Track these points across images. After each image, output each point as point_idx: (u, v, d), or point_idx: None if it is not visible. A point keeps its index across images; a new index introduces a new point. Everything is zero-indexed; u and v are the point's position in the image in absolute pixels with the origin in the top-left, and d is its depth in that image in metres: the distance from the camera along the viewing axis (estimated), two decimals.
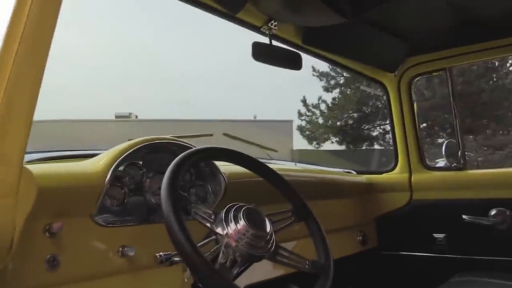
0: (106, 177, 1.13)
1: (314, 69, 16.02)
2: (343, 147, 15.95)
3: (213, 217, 1.03)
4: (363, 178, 2.25)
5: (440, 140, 13.04)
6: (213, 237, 1.02)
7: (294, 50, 1.73)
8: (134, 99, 26.85)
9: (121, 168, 1.20)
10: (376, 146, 15.54)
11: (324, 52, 1.92)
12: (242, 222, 1.00)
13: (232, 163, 1.24)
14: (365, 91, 14.84)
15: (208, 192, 1.41)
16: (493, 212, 1.90)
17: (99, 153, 1.27)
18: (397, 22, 1.85)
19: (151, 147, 1.28)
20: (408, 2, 1.67)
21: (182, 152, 1.31)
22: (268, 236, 1.03)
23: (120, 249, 1.15)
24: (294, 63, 1.68)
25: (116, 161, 1.16)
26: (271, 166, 1.30)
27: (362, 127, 15.81)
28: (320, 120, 16.12)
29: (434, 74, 2.14)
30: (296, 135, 16.63)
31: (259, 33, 1.64)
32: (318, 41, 1.80)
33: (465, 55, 2.00)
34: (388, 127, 15.87)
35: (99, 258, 1.12)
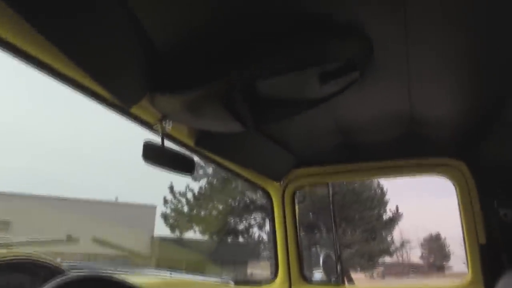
0: None
1: None
2: (205, 237, 15.69)
3: None
4: None
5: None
6: None
7: (187, 153, 1.61)
8: None
9: None
10: (241, 239, 15.66)
11: (215, 157, 1.84)
12: None
13: None
14: (231, 183, 15.22)
15: None
16: None
17: None
18: (287, 136, 1.89)
19: (5, 267, 0.97)
20: (301, 119, 1.72)
21: (45, 272, 1.03)
22: None
23: None
24: (186, 167, 1.55)
25: None
26: (145, 275, 1.09)
27: (228, 219, 15.91)
28: (186, 209, 15.82)
29: (316, 187, 2.20)
30: (158, 223, 15.95)
31: (151, 131, 1.49)
32: (210, 145, 1.72)
33: (344, 173, 2.11)
34: (252, 222, 16.38)
35: None
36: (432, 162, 2.02)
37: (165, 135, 1.50)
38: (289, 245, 2.12)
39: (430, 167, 2.04)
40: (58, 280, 0.85)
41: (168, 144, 1.53)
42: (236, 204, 16.06)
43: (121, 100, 1.26)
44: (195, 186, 16.30)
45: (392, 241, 19.56)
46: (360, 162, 2.08)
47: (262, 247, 16.56)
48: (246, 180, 2.15)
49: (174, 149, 1.53)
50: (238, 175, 2.08)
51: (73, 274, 0.91)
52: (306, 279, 2.11)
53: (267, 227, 16.47)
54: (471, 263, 1.89)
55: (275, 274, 2.14)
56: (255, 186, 2.20)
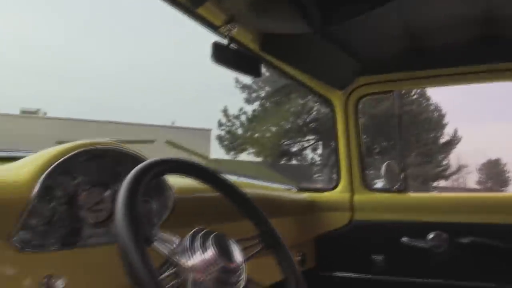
0: (33, 188, 0.88)
1: (237, 81, 16.08)
2: (259, 159, 16.14)
3: (175, 245, 0.84)
4: (305, 196, 2.17)
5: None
6: (173, 269, 0.84)
7: (253, 55, 1.61)
8: (42, 95, 24.77)
9: (51, 178, 0.95)
10: (294, 162, 15.97)
11: (278, 62, 1.82)
12: (211, 252, 0.83)
13: (198, 179, 1.06)
14: (285, 106, 15.22)
15: (152, 210, 1.21)
16: (431, 235, 1.93)
17: (19, 156, 1.02)
18: (353, 41, 1.82)
19: (89, 154, 1.05)
20: (368, 22, 1.64)
21: (128, 162, 1.10)
22: (240, 270, 0.87)
23: (45, 280, 0.91)
24: (253, 68, 1.55)
25: (47, 169, 0.92)
26: None
27: (281, 142, 16.16)
28: (240, 131, 16.19)
29: (381, 95, 2.15)
30: (213, 145, 16.52)
31: (216, 34, 1.48)
32: (275, 49, 1.70)
33: (413, 80, 2.03)
34: (305, 144, 16.56)
35: None
36: (509, 67, 1.88)
37: (231, 39, 1.49)
38: (352, 154, 2.12)
39: (506, 73, 1.91)
40: (150, 160, 0.91)
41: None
42: (289, 126, 16.17)
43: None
44: (249, 108, 16.52)
45: (448, 165, 19.16)
46: (429, 69, 1.98)
47: (315, 169, 16.86)
48: (309, 89, 2.13)
49: (241, 51, 1.53)
50: (300, 83, 2.06)
51: (163, 157, 0.97)
52: (368, 187, 2.14)
53: (320, 149, 16.61)
54: None
55: (337, 182, 2.18)
56: (317, 95, 2.18)
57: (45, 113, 16.85)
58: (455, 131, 18.40)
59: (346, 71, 2.01)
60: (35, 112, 16.52)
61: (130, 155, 1.11)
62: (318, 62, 1.88)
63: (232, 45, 1.48)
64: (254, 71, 1.56)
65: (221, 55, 1.40)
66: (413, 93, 17.17)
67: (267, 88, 16.14)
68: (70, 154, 0.97)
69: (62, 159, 0.95)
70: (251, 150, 15.90)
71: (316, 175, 16.76)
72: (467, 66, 1.92)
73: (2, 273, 0.86)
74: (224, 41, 1.46)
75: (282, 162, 16.03)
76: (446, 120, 18.48)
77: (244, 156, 15.95)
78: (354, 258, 2.07)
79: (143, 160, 0.96)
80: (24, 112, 16.22)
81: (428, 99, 18.11)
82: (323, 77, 2.00)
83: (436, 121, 18.12)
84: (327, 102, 2.17)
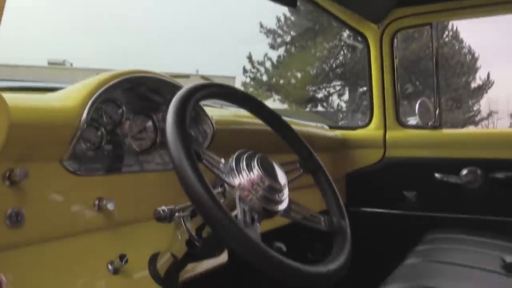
0: (82, 114, 0.91)
1: (261, 26, 15.70)
2: (285, 106, 16.05)
3: (221, 165, 0.86)
4: (337, 133, 2.17)
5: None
6: (220, 189, 0.87)
7: None
8: (66, 46, 24.90)
9: (97, 105, 0.98)
10: (320, 108, 15.82)
11: None
12: (256, 172, 0.85)
13: (239, 106, 1.06)
14: (310, 50, 14.83)
15: (193, 138, 1.23)
16: (464, 171, 1.91)
17: (59, 87, 1.05)
18: None
19: (131, 83, 1.06)
20: None
21: (169, 91, 1.12)
22: (283, 189, 0.89)
23: (97, 202, 0.96)
24: None
25: (92, 96, 0.94)
26: None
27: (307, 88, 15.95)
28: (264, 78, 16.03)
29: (418, 28, 2.06)
30: None
31: None
32: None
33: (451, 10, 1.93)
34: (332, 90, 16.29)
35: (72, 212, 0.92)
36: None
37: None
38: (386, 90, 2.08)
39: None
40: (196, 83, 0.92)
41: None
42: (315, 71, 15.88)
43: None
44: (274, 54, 16.22)
45: (479, 111, 18.60)
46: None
47: (341, 115, 16.69)
48: (343, 22, 2.06)
49: None
50: (334, 17, 2.00)
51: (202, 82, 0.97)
52: (402, 124, 2.12)
53: (346, 95, 16.34)
54: None
55: (370, 119, 2.16)
56: (351, 30, 2.11)
57: (71, 64, 17.07)
58: (488, 75, 17.68)
59: (381, 2, 1.92)
60: (62, 63, 16.75)
61: (170, 84, 1.12)
62: None
63: None
64: (290, 1, 1.51)
65: None
66: (445, 35, 16.42)
67: (292, 33, 15.74)
68: (113, 82, 0.99)
69: (106, 86, 0.97)
70: (277, 97, 15.81)
71: (342, 122, 16.62)
72: None
73: (57, 194, 0.90)
74: None
75: (308, 108, 15.92)
76: (478, 63, 17.73)
77: (270, 103, 15.89)
78: (386, 194, 2.09)
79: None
80: (51, 63, 16.45)
81: (461, 41, 17.33)
82: (357, 9, 1.93)
83: (468, 65, 17.41)
84: (361, 36, 2.10)
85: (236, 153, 0.89)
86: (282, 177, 0.90)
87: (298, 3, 1.50)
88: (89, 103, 0.93)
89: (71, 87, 1.00)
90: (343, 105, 16.54)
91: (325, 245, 1.06)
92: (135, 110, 1.10)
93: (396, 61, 2.08)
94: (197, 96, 0.88)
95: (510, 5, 1.85)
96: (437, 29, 2.02)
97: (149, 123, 1.14)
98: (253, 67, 15.88)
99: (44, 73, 14.67)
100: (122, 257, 0.93)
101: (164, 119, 0.91)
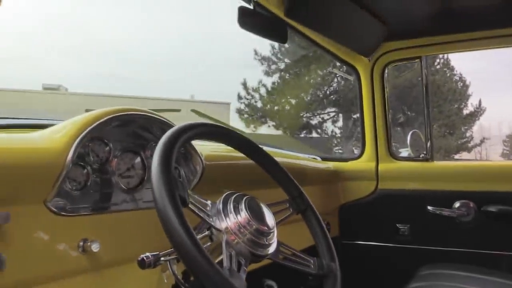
0: (67, 154, 0.90)
1: (256, 53, 15.92)
2: (279, 132, 16.10)
3: (208, 207, 0.85)
4: (330, 165, 2.16)
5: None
6: (207, 232, 0.85)
7: (279, 20, 1.57)
8: (61, 71, 25.05)
9: (83, 143, 0.96)
10: (314, 134, 15.88)
11: (303, 28, 1.78)
12: (244, 214, 0.83)
13: (228, 144, 1.06)
14: (304, 77, 15.01)
15: (182, 176, 1.22)
16: (457, 204, 1.90)
17: (49, 124, 1.04)
18: (380, 3, 1.76)
19: (120, 120, 1.05)
20: None
21: (158, 128, 1.11)
22: (272, 232, 0.88)
23: (81, 243, 0.93)
24: (279, 34, 1.52)
25: (80, 134, 0.93)
26: None
27: (301, 114, 16.05)
28: (259, 104, 16.13)
29: (409, 62, 2.09)
30: (232, 119, 16.52)
31: None
32: (300, 15, 1.66)
33: (441, 45, 1.96)
34: (326, 116, 16.41)
35: (55, 255, 0.90)
36: None
37: (256, 4, 1.47)
38: (377, 122, 2.09)
39: None
40: (184, 124, 0.91)
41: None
42: (309, 98, 16.01)
43: None
44: (268, 81, 16.37)
45: (471, 137, 18.75)
46: (458, 33, 1.90)
47: (335, 141, 16.76)
48: (334, 55, 2.08)
49: (267, 16, 1.50)
50: (325, 50, 2.02)
51: (195, 121, 0.97)
52: (394, 156, 2.12)
53: (340, 121, 16.45)
54: None
55: (362, 151, 2.16)
56: (343, 63, 2.13)
57: (66, 89, 17.12)
58: (479, 102, 17.91)
59: (372, 36, 1.95)
60: (57, 88, 16.80)
61: (159, 121, 1.11)
62: (344, 27, 1.83)
63: (258, 10, 1.45)
64: (280, 36, 1.53)
65: (247, 20, 1.38)
66: (436, 63, 16.70)
67: (286, 60, 15.96)
68: (101, 120, 0.98)
69: (94, 125, 0.96)
70: (271, 123, 15.86)
71: (336, 148, 16.67)
72: (498, 29, 1.85)
73: (41, 236, 0.88)
74: (250, 6, 1.43)
75: (302, 135, 15.96)
76: (470, 91, 17.98)
77: (264, 129, 15.96)
78: (379, 227, 2.07)
79: (171, 127, 0.96)
80: (46, 88, 16.50)
81: (452, 69, 17.62)
82: (348, 43, 1.95)
83: (460, 92, 17.65)
84: (352, 69, 2.12)
85: (224, 195, 0.87)
86: (270, 219, 0.89)
87: (288, 39, 1.51)
88: (76, 142, 0.91)
89: (59, 125, 0.99)
90: (337, 131, 16.64)
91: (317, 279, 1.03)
92: (123, 148, 1.09)
93: (387, 93, 2.10)
94: (184, 137, 0.87)
95: (499, 39, 1.89)
96: (427, 61, 2.05)
97: (137, 160, 1.13)
98: (248, 93, 16.01)
99: (39, 98, 14.69)
100: None
101: (152, 156, 0.90)
